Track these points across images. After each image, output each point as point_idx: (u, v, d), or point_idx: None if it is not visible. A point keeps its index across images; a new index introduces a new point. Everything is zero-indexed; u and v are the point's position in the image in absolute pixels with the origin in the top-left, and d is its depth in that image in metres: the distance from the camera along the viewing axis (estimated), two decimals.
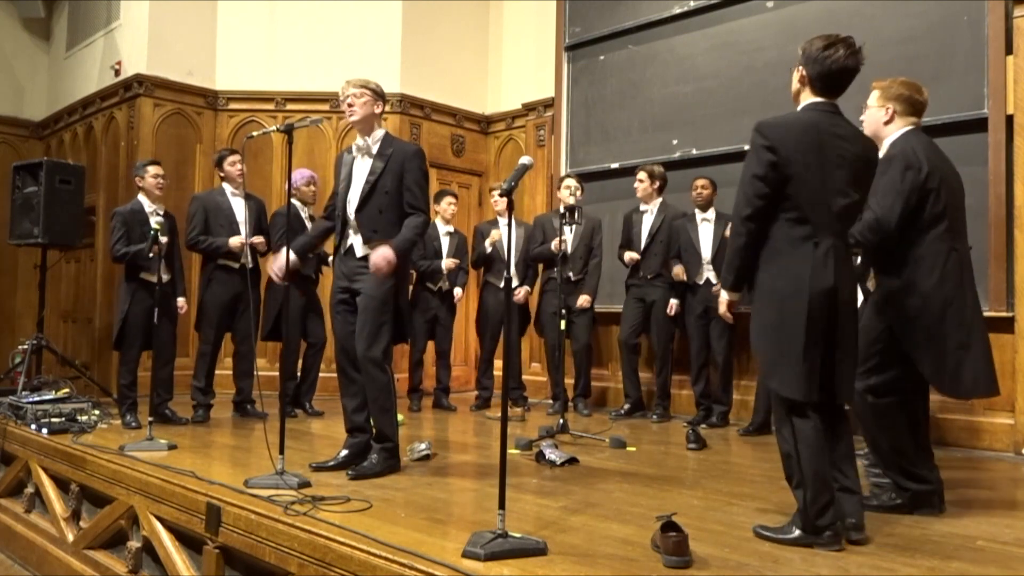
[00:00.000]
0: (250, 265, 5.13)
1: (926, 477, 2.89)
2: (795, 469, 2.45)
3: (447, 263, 5.86)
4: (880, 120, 3.02)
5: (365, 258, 3.51)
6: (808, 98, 2.58)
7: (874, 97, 3.05)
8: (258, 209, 5.36)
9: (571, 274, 5.63)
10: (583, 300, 5.63)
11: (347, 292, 3.57)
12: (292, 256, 3.58)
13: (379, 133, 3.62)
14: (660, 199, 5.56)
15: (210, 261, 5.19)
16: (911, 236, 2.87)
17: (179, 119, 6.82)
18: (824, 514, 2.40)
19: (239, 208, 5.21)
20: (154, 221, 4.65)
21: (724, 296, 2.67)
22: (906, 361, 2.87)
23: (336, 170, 3.77)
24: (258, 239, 5.19)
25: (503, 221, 5.87)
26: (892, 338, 2.87)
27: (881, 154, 2.97)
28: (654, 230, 5.51)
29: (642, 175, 5.56)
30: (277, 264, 3.58)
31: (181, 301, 5.10)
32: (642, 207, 5.61)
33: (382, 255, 3.34)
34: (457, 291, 6.04)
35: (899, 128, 3.00)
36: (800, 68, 2.57)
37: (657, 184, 5.55)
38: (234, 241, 5.06)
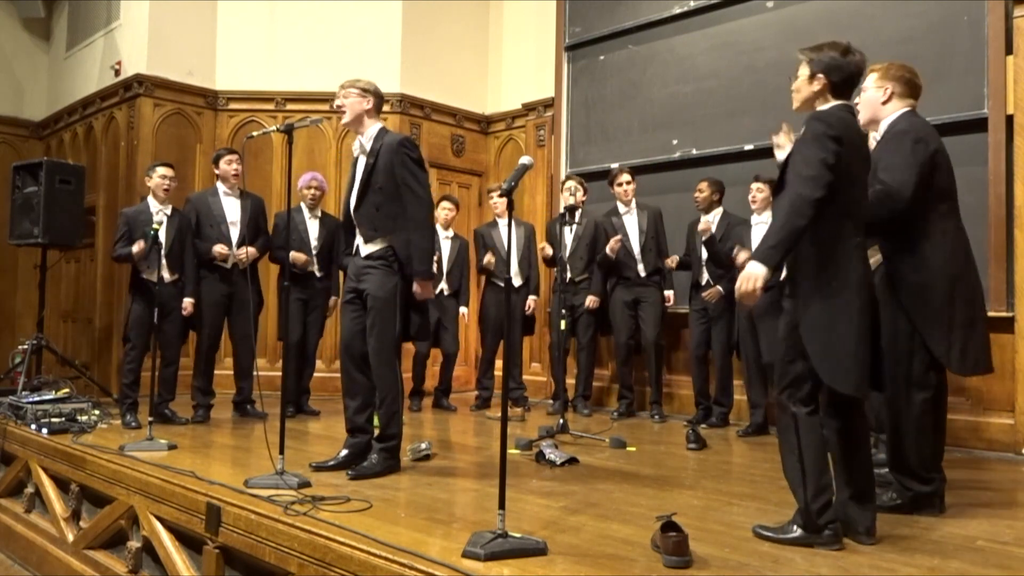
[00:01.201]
0: (243, 265, 5.13)
1: (932, 479, 2.89)
2: (797, 467, 2.45)
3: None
4: (878, 100, 3.04)
5: (369, 257, 3.53)
6: (829, 101, 2.59)
7: (872, 79, 3.05)
8: (255, 208, 5.32)
9: (571, 275, 5.64)
10: (591, 301, 5.63)
11: (354, 292, 3.58)
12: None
13: (372, 129, 3.61)
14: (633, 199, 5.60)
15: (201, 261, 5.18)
16: (919, 211, 2.88)
17: (179, 119, 6.82)
18: (824, 512, 2.41)
19: (231, 208, 5.20)
20: (154, 222, 4.65)
21: (759, 270, 2.40)
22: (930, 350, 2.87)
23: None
24: (247, 251, 5.09)
25: (503, 222, 5.86)
26: (912, 322, 2.87)
27: (878, 134, 3.01)
28: (643, 228, 5.51)
29: (627, 176, 5.55)
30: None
31: (187, 301, 5.04)
32: (622, 209, 5.60)
33: (421, 294, 3.55)
34: (463, 310, 6.03)
35: (897, 109, 3.02)
36: (820, 76, 2.56)
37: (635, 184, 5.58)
38: (217, 249, 5.04)
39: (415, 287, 3.55)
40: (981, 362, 2.95)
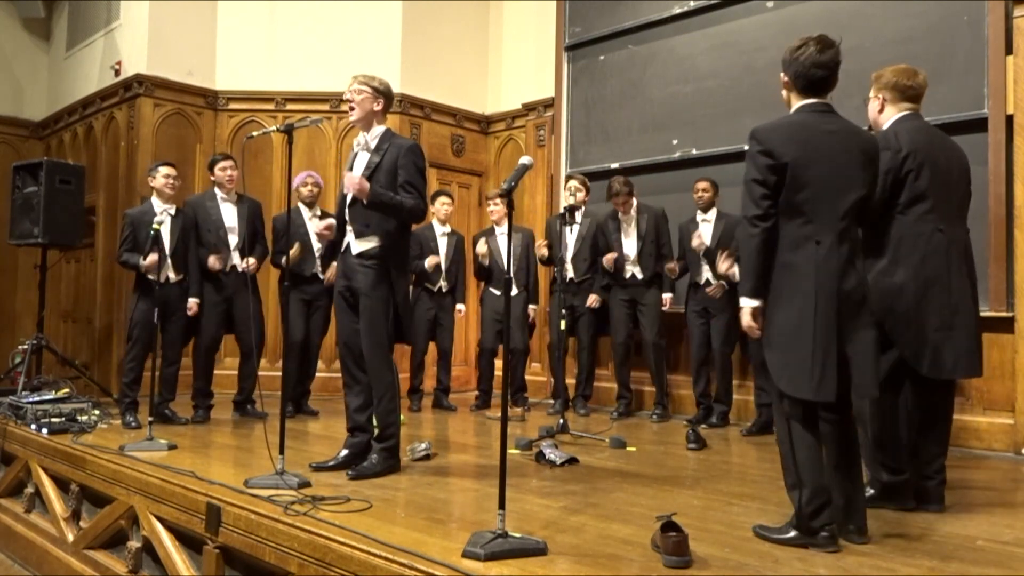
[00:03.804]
0: (252, 271, 5.12)
1: (902, 471, 2.87)
2: (791, 471, 2.45)
3: (428, 262, 5.74)
4: (875, 110, 3.10)
5: (361, 255, 3.53)
6: (797, 102, 2.59)
7: (871, 90, 3.10)
8: (252, 212, 5.29)
9: (573, 275, 5.63)
10: (592, 300, 5.62)
11: (348, 290, 3.58)
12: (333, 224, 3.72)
13: (378, 129, 3.61)
14: (635, 203, 5.52)
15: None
16: (889, 217, 2.88)
17: (179, 119, 6.82)
18: (818, 516, 2.39)
19: (228, 214, 5.18)
20: (155, 222, 4.64)
21: (746, 304, 2.48)
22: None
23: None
24: (251, 262, 5.14)
25: (500, 229, 5.84)
26: (881, 324, 2.85)
27: None
28: (641, 235, 5.48)
29: (622, 194, 5.40)
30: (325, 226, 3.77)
31: (192, 302, 5.01)
32: (620, 215, 5.55)
33: (355, 182, 3.39)
34: (460, 307, 5.99)
35: (892, 115, 3.04)
36: (782, 75, 2.59)
37: (633, 196, 5.48)
38: (212, 262, 5.01)
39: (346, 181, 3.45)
40: (961, 366, 2.89)
